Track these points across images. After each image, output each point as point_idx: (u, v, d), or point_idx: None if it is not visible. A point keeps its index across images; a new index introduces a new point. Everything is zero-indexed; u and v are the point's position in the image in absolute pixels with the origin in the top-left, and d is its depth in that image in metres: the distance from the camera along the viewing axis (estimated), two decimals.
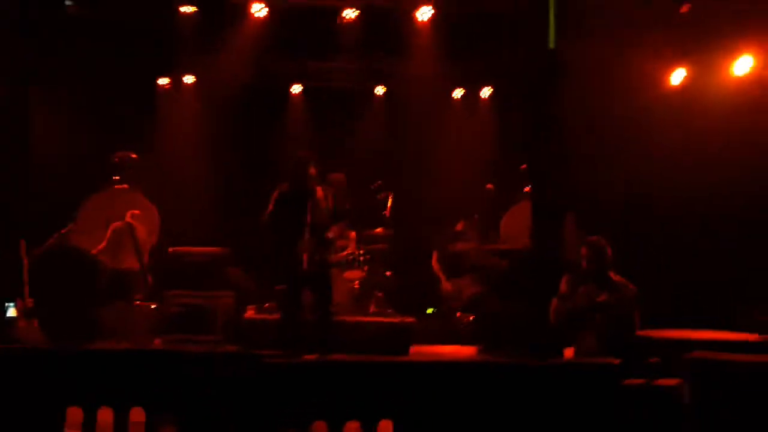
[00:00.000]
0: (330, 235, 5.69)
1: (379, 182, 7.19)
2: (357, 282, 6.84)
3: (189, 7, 7.53)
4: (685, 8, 6.81)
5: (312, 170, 5.55)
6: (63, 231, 6.64)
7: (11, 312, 5.49)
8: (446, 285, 7.12)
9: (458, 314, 7.08)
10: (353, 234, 6.99)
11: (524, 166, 6.63)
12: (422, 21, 7.63)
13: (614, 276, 4.83)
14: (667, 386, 3.23)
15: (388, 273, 7.22)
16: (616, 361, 3.25)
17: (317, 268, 5.44)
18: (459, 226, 7.36)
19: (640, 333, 4.61)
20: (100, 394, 3.03)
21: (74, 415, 2.92)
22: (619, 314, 4.52)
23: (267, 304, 6.50)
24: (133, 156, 7.44)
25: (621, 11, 6.63)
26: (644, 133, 7.54)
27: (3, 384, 3.02)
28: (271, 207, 5.58)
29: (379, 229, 7.19)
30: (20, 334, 5.39)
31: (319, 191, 5.58)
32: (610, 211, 7.14)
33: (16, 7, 4.79)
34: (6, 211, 5.38)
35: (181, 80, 8.87)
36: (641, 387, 3.23)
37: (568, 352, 4.60)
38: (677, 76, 7.72)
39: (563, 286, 4.82)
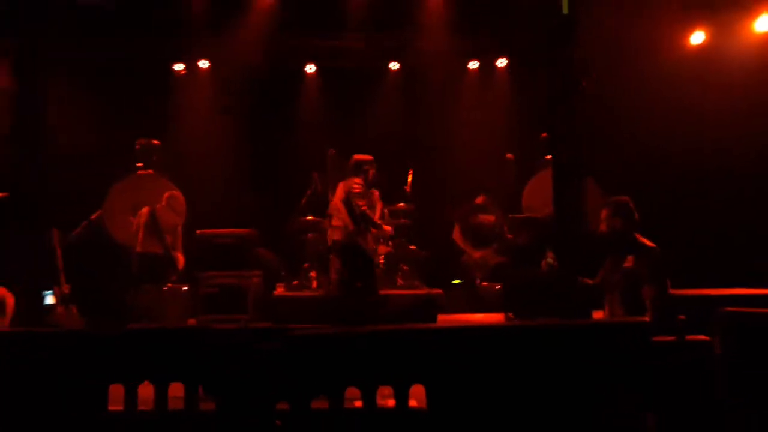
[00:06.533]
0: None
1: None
2: (382, 256, 6.91)
3: None
4: None
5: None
6: (92, 218, 6.77)
7: (49, 299, 5.61)
8: (474, 254, 7.12)
9: (484, 283, 7.14)
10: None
11: (545, 134, 6.61)
12: None
13: (640, 238, 4.80)
14: (698, 341, 3.26)
15: (412, 246, 7.27)
16: (647, 319, 3.27)
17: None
18: (479, 200, 7.36)
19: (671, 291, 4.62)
20: (140, 372, 3.11)
21: (117, 391, 3.02)
22: (647, 275, 4.51)
23: (295, 282, 6.59)
24: (155, 142, 7.52)
25: None
26: (663, 95, 7.48)
27: (47, 366, 3.12)
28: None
29: (401, 204, 7.24)
30: (59, 319, 5.54)
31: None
32: (630, 174, 7.11)
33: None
34: (35, 203, 5.46)
35: (197, 65, 8.93)
36: (672, 343, 3.24)
37: (598, 316, 4.62)
38: (696, 38, 7.64)
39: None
